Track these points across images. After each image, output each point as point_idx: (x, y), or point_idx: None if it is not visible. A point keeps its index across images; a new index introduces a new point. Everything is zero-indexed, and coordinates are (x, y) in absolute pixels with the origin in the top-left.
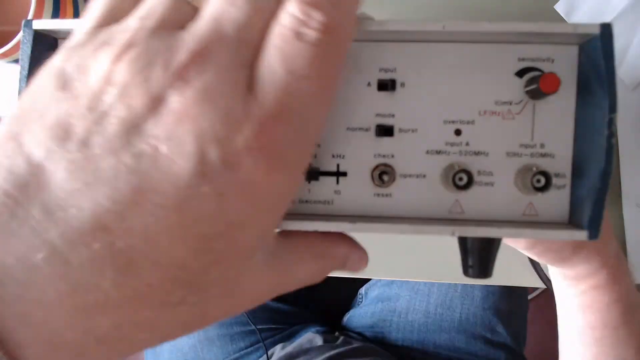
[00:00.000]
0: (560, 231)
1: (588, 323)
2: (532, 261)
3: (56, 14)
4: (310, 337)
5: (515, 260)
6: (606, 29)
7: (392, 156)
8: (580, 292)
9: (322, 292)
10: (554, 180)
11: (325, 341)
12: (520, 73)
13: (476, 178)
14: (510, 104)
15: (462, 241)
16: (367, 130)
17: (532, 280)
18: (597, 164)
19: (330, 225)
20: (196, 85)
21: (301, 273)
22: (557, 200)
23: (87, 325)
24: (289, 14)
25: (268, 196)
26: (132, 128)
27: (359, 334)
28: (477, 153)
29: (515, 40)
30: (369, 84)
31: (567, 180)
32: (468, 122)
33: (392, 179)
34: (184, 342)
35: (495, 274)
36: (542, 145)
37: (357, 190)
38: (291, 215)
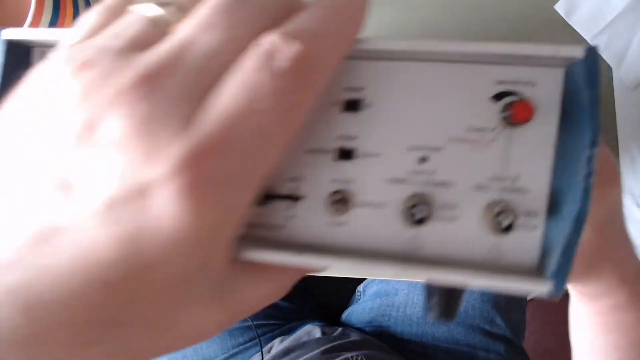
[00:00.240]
0: (522, 281)
1: (612, 343)
2: None
3: (56, 13)
4: (309, 329)
5: None
6: (591, 53)
7: (351, 182)
8: (600, 311)
9: (321, 290)
10: (524, 220)
11: (323, 333)
12: (497, 97)
13: (438, 212)
14: (484, 131)
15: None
16: (327, 152)
17: None
18: (573, 205)
19: (274, 256)
20: (129, 112)
21: (259, 295)
22: (526, 243)
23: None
24: (265, 42)
25: (186, 236)
26: (61, 155)
27: (359, 329)
28: (442, 184)
29: (494, 61)
30: (333, 104)
31: (540, 221)
32: (436, 149)
33: (349, 207)
34: None
35: None
36: (515, 179)
37: (310, 216)
38: (238, 240)
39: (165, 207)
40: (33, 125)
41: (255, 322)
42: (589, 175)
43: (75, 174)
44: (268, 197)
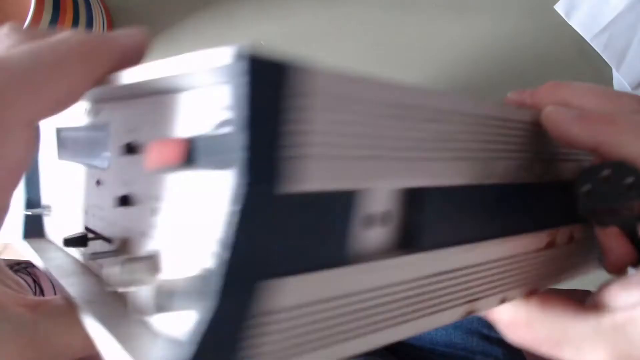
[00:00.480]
0: None
1: None
2: None
3: (56, 13)
4: None
5: None
6: (251, 62)
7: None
8: None
9: None
10: None
11: None
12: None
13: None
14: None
15: None
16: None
17: None
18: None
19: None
20: None
21: (78, 341)
22: None
23: None
24: None
25: None
26: None
27: None
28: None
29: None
30: (116, 148)
31: None
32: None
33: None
34: None
35: None
36: None
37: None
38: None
39: None
40: None
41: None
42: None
43: None
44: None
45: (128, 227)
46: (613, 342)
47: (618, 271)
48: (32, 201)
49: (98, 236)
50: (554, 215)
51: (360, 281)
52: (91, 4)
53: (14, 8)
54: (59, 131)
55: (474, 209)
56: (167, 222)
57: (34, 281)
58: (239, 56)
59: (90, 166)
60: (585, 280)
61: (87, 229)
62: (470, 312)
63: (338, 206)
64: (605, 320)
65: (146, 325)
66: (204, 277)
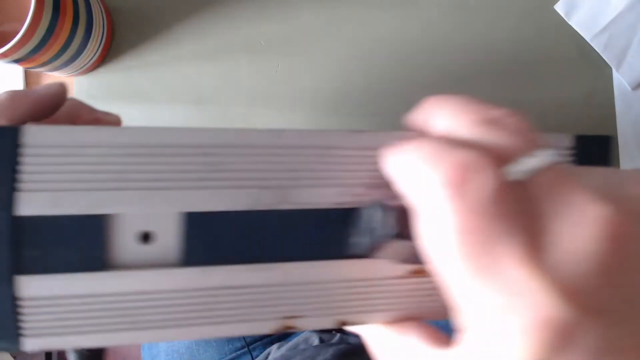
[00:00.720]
0: None
1: None
2: None
3: (56, 13)
4: (306, 336)
5: None
6: None
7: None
8: None
9: None
10: None
11: (321, 340)
12: None
13: None
14: None
15: None
16: None
17: None
18: None
19: None
20: None
21: None
22: None
23: None
24: None
25: None
26: None
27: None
28: None
29: None
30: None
31: None
32: None
33: None
34: (180, 344)
35: None
36: None
37: None
38: None
39: None
40: None
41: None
42: None
43: None
44: None
45: None
46: None
47: None
48: None
49: None
50: None
51: (118, 285)
52: (91, 4)
53: (14, 8)
54: None
55: (253, 231)
56: None
57: None
58: None
59: None
60: None
61: None
62: (289, 327)
63: (81, 225)
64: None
65: None
66: None
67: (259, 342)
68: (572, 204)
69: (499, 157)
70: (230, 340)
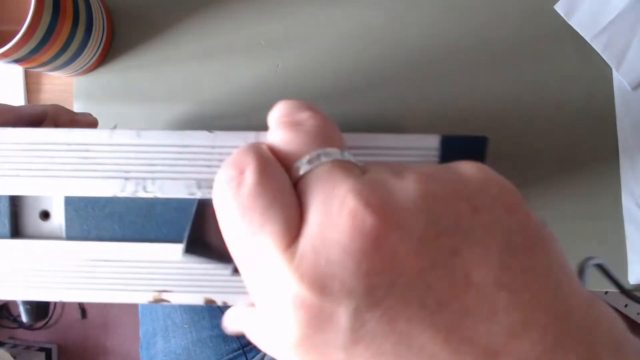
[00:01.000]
0: None
1: None
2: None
3: (56, 13)
4: None
5: None
6: None
7: None
8: None
9: None
10: None
11: None
12: None
13: None
14: None
15: None
16: None
17: None
18: None
19: None
20: None
21: None
22: None
23: None
24: None
25: None
26: None
27: None
28: None
29: None
30: None
31: None
32: None
33: None
34: (177, 345)
35: None
36: None
37: None
38: None
39: None
40: None
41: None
42: None
43: None
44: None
45: None
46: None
47: None
48: None
49: None
50: None
51: (23, 250)
52: (91, 4)
53: (14, 8)
54: None
55: (122, 215)
56: None
57: None
58: None
59: None
60: None
61: None
62: (159, 300)
63: None
64: None
65: None
66: None
67: (244, 349)
68: (333, 196)
69: (290, 155)
70: (227, 341)
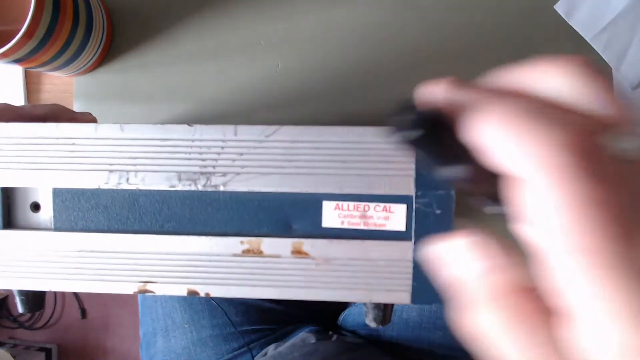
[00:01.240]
0: None
1: None
2: None
3: (56, 13)
4: (304, 336)
5: None
6: None
7: None
8: None
9: None
10: None
11: (318, 340)
12: None
13: None
14: None
15: None
16: None
17: None
18: None
19: None
20: None
21: None
22: None
23: None
24: None
25: None
26: None
27: (354, 332)
28: None
29: None
30: None
31: None
32: None
33: None
34: (177, 345)
35: None
36: None
37: None
38: None
39: None
40: None
41: (249, 327)
42: None
43: None
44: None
45: None
46: None
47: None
48: None
49: None
50: (236, 225)
51: (15, 241)
52: (91, 4)
53: (14, 8)
54: None
55: (107, 206)
56: None
57: None
58: None
59: None
60: None
61: None
62: (144, 291)
63: None
64: None
65: None
66: None
67: (256, 343)
68: None
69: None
70: (227, 340)
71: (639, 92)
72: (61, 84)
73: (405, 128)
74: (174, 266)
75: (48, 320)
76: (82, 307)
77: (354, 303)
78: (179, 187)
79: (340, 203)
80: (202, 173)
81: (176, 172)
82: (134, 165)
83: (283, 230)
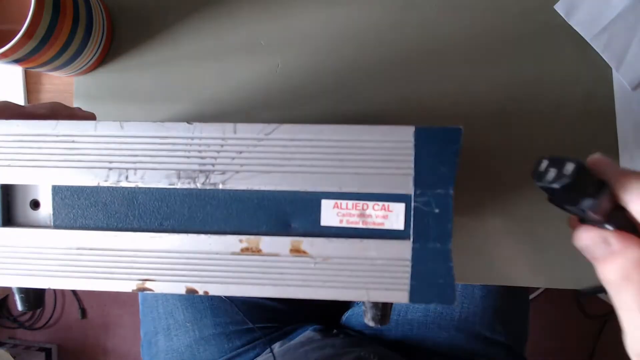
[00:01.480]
0: None
1: None
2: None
3: (56, 13)
4: (309, 335)
5: (515, 260)
6: None
7: None
8: None
9: None
10: None
11: (325, 337)
12: None
13: None
14: None
15: None
16: None
17: (532, 281)
18: None
19: None
20: None
21: None
22: None
23: None
24: None
25: None
26: None
27: (359, 332)
28: None
29: None
30: None
31: None
32: None
33: None
34: (180, 343)
35: (495, 274)
36: None
37: None
38: None
39: None
40: None
41: (252, 326)
42: None
43: None
44: None
45: None
46: None
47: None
48: None
49: None
50: (235, 223)
51: (15, 238)
52: (91, 4)
53: (14, 8)
54: None
55: (106, 204)
56: None
57: None
58: None
59: None
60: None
61: None
62: (142, 289)
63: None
64: None
65: None
66: None
67: (259, 341)
68: None
69: None
70: (230, 339)
71: (639, 92)
72: (61, 84)
73: (559, 178)
74: (173, 264)
75: (48, 320)
76: (82, 307)
77: (357, 303)
78: (178, 185)
79: (339, 202)
80: (201, 171)
81: (175, 170)
82: (134, 162)
83: (282, 228)
